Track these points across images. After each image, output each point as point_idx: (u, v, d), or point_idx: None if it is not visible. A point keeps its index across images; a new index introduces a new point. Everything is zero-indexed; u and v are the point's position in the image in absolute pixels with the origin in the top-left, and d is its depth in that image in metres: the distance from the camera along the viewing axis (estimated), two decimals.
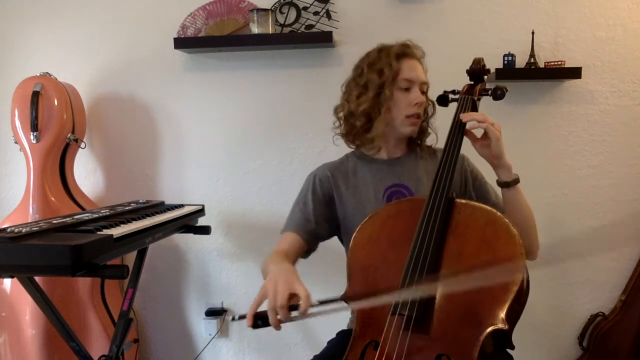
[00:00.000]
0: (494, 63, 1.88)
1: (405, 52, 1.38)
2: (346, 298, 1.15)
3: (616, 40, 1.93)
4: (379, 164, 1.44)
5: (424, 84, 1.39)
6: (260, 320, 1.00)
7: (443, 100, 1.44)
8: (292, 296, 1.00)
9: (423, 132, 1.47)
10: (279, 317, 0.99)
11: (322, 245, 1.90)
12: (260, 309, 1.02)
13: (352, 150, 1.51)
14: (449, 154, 1.27)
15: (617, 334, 1.97)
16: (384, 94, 1.36)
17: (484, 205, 1.19)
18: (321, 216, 1.42)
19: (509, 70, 1.90)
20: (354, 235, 1.26)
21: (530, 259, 1.31)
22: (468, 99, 1.35)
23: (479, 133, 1.28)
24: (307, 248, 1.41)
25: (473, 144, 1.30)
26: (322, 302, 1.02)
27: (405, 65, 1.36)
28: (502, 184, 1.27)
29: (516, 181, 1.26)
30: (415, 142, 1.48)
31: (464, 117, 1.28)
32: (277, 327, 1.01)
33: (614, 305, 2.02)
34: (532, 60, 1.90)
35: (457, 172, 1.40)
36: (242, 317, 1.02)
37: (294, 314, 0.99)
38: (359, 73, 1.43)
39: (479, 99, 1.37)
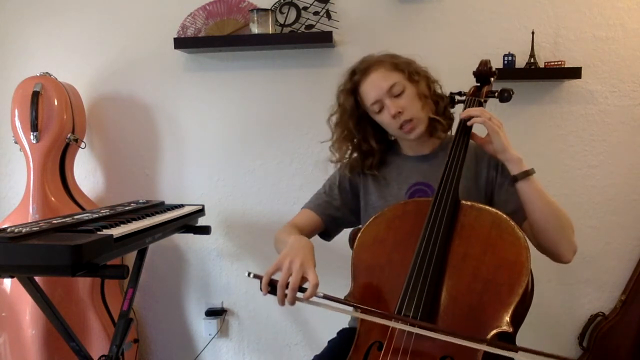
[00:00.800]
0: (494, 63, 1.85)
1: (354, 80, 1.36)
2: (353, 305, 1.14)
3: (616, 40, 1.93)
4: (406, 160, 1.44)
5: (392, 88, 1.31)
6: (271, 287, 1.07)
7: (450, 101, 1.43)
8: (304, 280, 1.05)
9: (438, 121, 1.38)
10: (285, 294, 1.04)
11: (323, 245, 1.90)
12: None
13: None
14: (454, 156, 1.26)
15: (617, 334, 1.97)
16: (343, 133, 1.40)
17: (489, 208, 1.19)
18: (345, 203, 1.45)
19: (509, 70, 1.90)
20: (359, 235, 1.26)
21: (563, 262, 1.26)
22: (474, 101, 1.35)
23: (483, 133, 1.28)
24: (325, 229, 1.45)
25: (478, 145, 1.30)
26: (326, 297, 1.05)
27: (362, 93, 1.35)
28: (513, 179, 1.23)
29: (526, 173, 1.21)
30: (438, 134, 1.40)
31: (462, 115, 1.28)
32: (281, 304, 1.06)
33: (614, 305, 2.02)
34: (532, 60, 1.90)
35: (485, 167, 1.37)
36: (257, 276, 1.07)
37: (299, 295, 1.04)
38: (335, 118, 1.44)
39: (485, 101, 1.37)
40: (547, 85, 1.98)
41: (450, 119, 1.42)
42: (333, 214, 1.45)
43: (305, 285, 1.05)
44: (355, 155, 1.46)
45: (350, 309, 1.14)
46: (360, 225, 1.50)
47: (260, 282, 1.07)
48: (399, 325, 1.06)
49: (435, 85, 1.40)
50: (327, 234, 1.47)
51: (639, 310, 1.96)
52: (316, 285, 1.03)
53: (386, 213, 1.26)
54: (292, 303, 1.05)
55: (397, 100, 1.31)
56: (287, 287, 1.05)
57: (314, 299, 1.04)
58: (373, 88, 1.33)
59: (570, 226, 1.25)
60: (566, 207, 1.98)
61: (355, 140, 1.42)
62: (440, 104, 1.39)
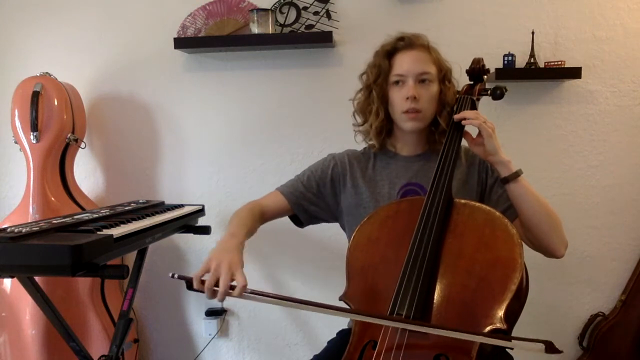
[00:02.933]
0: (494, 63, 1.88)
1: (396, 46, 1.35)
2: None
3: (616, 40, 1.93)
4: (398, 159, 1.43)
5: (422, 74, 1.32)
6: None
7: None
8: (232, 280, 1.06)
9: (437, 125, 1.39)
10: (215, 291, 1.06)
11: (322, 246, 1.90)
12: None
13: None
14: (447, 154, 1.27)
15: (617, 334, 1.97)
16: (372, 95, 1.37)
17: (483, 205, 1.20)
18: (321, 199, 1.44)
19: (509, 70, 1.90)
20: (353, 235, 1.27)
21: (556, 256, 1.29)
22: (467, 99, 1.35)
23: (475, 132, 1.29)
24: (293, 215, 1.44)
25: (468, 143, 1.31)
26: (254, 292, 1.06)
27: (397, 61, 1.34)
28: (503, 180, 1.26)
29: (515, 175, 1.24)
30: (434, 139, 1.40)
31: (456, 117, 1.28)
32: (210, 299, 1.08)
33: (614, 305, 2.02)
34: (532, 60, 1.90)
35: (476, 170, 1.39)
36: (181, 277, 1.08)
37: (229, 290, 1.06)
38: (363, 72, 1.44)
39: (478, 99, 1.37)
40: (547, 85, 1.98)
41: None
42: (306, 206, 1.43)
43: (234, 284, 1.06)
44: (367, 129, 1.42)
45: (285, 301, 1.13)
46: (338, 224, 1.50)
47: (187, 283, 1.08)
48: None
49: (454, 98, 1.38)
50: (299, 221, 1.46)
51: (639, 310, 1.96)
52: (244, 287, 1.04)
53: (380, 212, 1.27)
54: (221, 300, 1.07)
55: (420, 87, 1.32)
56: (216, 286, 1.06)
57: (245, 295, 1.05)
58: (407, 62, 1.33)
59: (559, 222, 1.28)
60: (566, 207, 2.01)
61: (374, 106, 1.38)
62: (444, 111, 1.38)
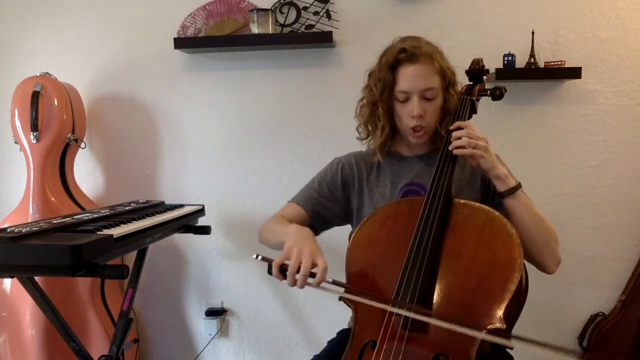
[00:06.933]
0: (494, 63, 1.88)
1: (399, 59, 1.30)
2: (359, 292, 1.15)
3: (616, 40, 1.93)
4: (401, 160, 1.43)
5: (427, 90, 1.30)
6: (281, 272, 1.10)
7: None
8: (313, 266, 1.08)
9: (436, 136, 1.39)
10: (296, 279, 1.08)
11: (322, 245, 1.89)
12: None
13: None
14: (447, 154, 1.26)
15: (617, 334, 1.97)
16: (378, 111, 1.36)
17: (482, 205, 1.20)
18: (335, 203, 1.44)
19: (509, 70, 1.90)
20: (353, 235, 1.27)
21: (547, 272, 1.28)
22: (467, 100, 1.35)
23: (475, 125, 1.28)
24: (310, 224, 1.42)
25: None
26: (334, 282, 1.09)
27: (401, 75, 1.30)
28: (499, 195, 1.25)
29: (513, 190, 1.23)
30: (437, 140, 1.40)
31: (451, 148, 1.24)
32: (291, 286, 1.10)
33: (614, 305, 2.02)
34: (532, 60, 1.90)
35: (478, 173, 1.37)
36: (265, 259, 1.11)
37: (309, 280, 1.07)
38: (366, 82, 1.42)
39: (477, 100, 1.37)
40: (547, 85, 1.98)
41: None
42: (321, 212, 1.43)
43: (314, 271, 1.08)
44: (370, 140, 1.43)
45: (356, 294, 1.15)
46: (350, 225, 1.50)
47: (268, 267, 1.10)
48: (402, 312, 1.06)
49: (457, 102, 1.36)
50: (313, 229, 1.43)
51: (639, 310, 1.96)
52: (325, 269, 1.06)
53: (379, 212, 1.27)
54: (302, 287, 1.08)
55: (425, 103, 1.31)
56: (297, 273, 1.08)
57: (323, 284, 1.07)
58: (410, 79, 1.29)
59: (554, 239, 1.28)
60: (566, 207, 2.01)
61: (381, 123, 1.37)
62: (446, 118, 1.37)
